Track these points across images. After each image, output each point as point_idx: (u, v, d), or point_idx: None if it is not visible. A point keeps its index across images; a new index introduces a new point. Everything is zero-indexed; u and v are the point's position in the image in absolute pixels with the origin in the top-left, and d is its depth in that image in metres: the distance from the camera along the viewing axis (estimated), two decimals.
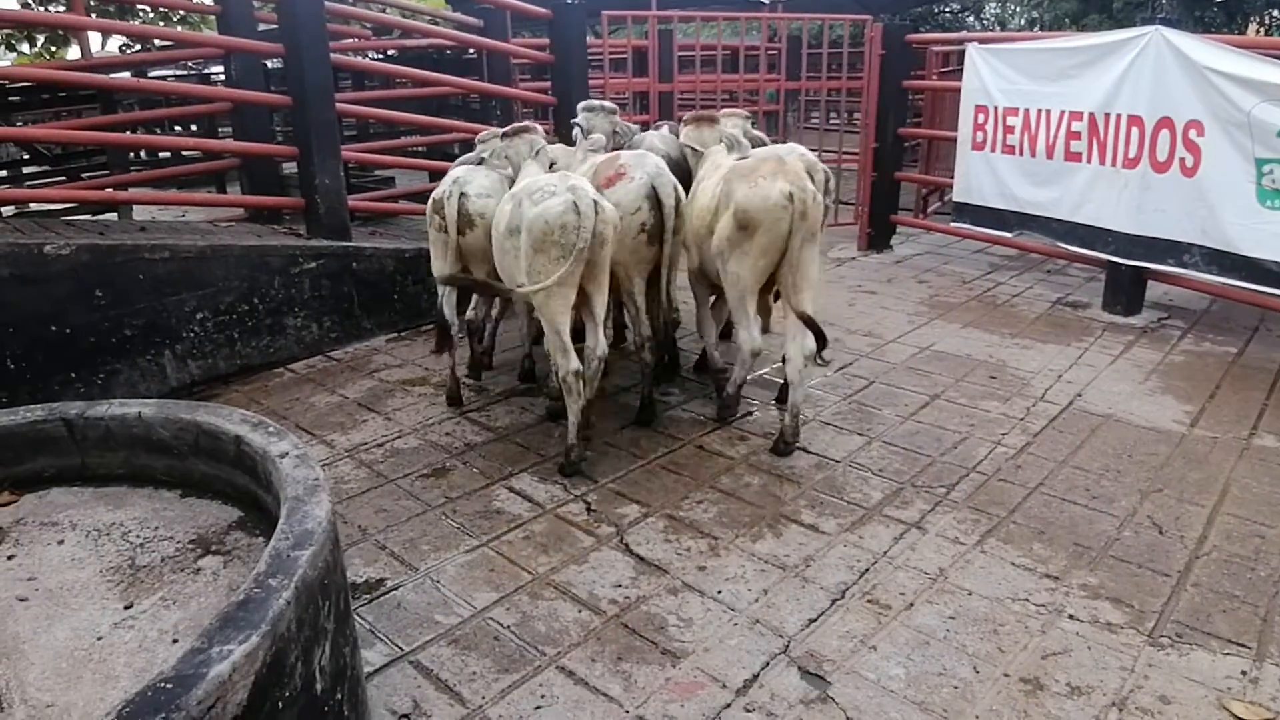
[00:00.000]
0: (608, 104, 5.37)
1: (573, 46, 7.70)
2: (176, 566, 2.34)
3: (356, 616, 2.99)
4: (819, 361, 4.60)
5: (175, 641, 2.04)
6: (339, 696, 2.07)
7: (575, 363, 3.97)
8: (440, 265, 4.63)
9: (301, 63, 5.79)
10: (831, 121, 10.61)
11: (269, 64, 8.46)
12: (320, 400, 5.03)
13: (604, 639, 2.98)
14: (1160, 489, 4.01)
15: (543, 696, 2.71)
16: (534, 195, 3.86)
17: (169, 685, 1.57)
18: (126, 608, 2.17)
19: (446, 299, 4.72)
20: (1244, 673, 2.88)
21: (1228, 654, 2.96)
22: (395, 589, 3.25)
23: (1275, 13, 16.02)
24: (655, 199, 4.30)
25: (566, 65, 7.69)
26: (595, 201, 3.86)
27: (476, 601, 3.18)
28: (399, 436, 4.56)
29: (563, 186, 3.87)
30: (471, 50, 9.04)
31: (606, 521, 3.74)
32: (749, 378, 4.82)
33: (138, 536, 2.48)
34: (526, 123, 4.75)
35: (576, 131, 5.15)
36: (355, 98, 8.49)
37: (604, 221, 3.89)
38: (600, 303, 4.11)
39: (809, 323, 4.17)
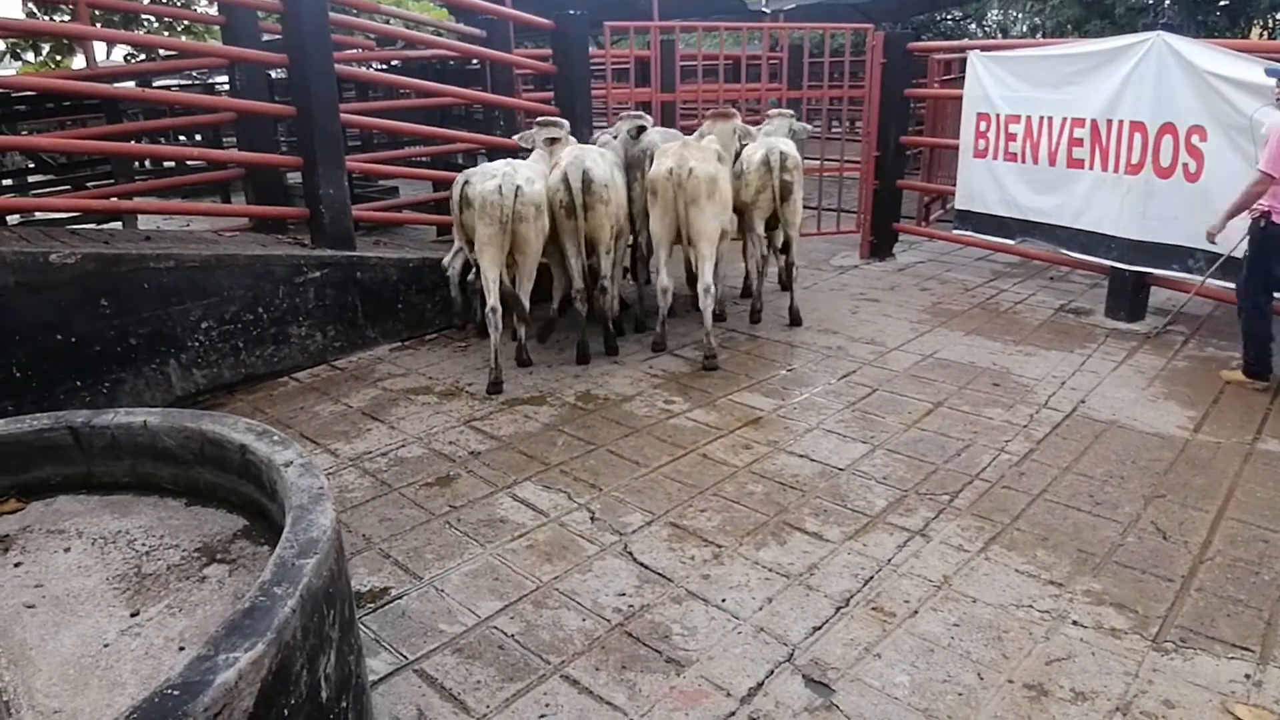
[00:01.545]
0: (562, 121, 6.32)
1: (575, 57, 7.73)
2: (182, 574, 2.34)
3: (361, 625, 2.99)
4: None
5: (181, 649, 2.04)
6: (344, 704, 2.07)
7: (493, 301, 5.25)
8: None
9: (306, 73, 5.81)
10: (833, 130, 10.64)
11: (273, 74, 8.49)
12: (324, 409, 5.05)
13: (608, 647, 2.98)
14: (1164, 495, 4.01)
15: (547, 705, 2.71)
16: (478, 177, 5.22)
17: (176, 692, 1.57)
18: (133, 615, 2.17)
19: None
20: (1248, 676, 2.88)
21: (1232, 658, 2.96)
22: (400, 598, 3.26)
23: (1279, 15, 16.02)
24: (568, 184, 5.36)
25: (569, 75, 7.72)
26: (518, 186, 5.15)
27: (480, 610, 3.18)
28: (403, 445, 4.57)
29: (500, 172, 5.20)
30: (475, 61, 9.07)
31: (610, 530, 3.75)
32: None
33: (144, 544, 2.48)
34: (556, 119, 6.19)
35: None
36: (359, 108, 8.49)
37: (522, 202, 5.16)
38: (522, 263, 5.40)
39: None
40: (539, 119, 6.20)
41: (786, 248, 6.59)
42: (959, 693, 2.78)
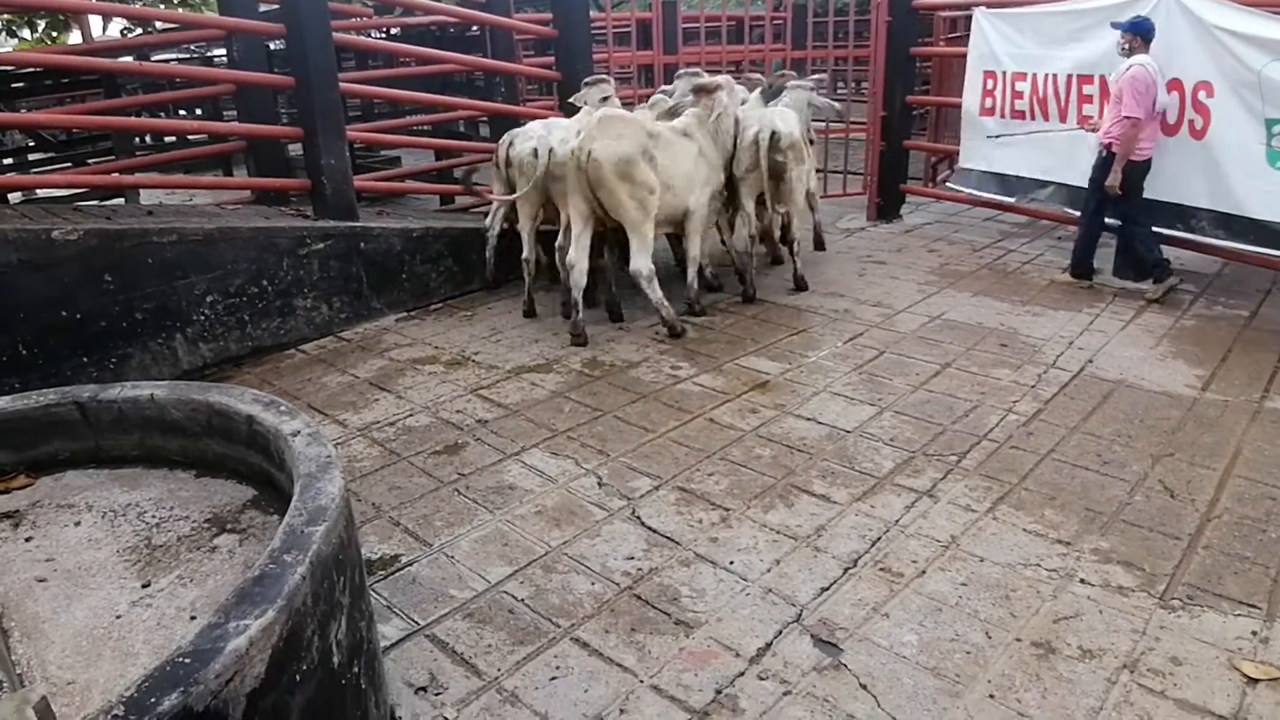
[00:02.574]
0: (608, 79, 6.59)
1: (576, 20, 7.65)
2: (192, 545, 2.36)
3: (372, 592, 3.03)
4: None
5: (193, 618, 2.06)
6: (356, 670, 2.09)
7: (527, 252, 5.92)
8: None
9: (304, 43, 5.77)
10: (839, 91, 10.53)
11: (272, 45, 8.43)
12: (332, 380, 5.06)
13: (617, 610, 3.00)
14: (1172, 453, 4.00)
15: (558, 668, 2.74)
16: (520, 139, 5.75)
17: (187, 660, 1.59)
18: (144, 586, 2.20)
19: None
20: (1254, 633, 2.89)
21: (1239, 615, 2.97)
22: (410, 565, 3.28)
23: None
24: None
25: (570, 40, 7.64)
26: (551, 149, 5.49)
27: (490, 575, 3.21)
28: (410, 415, 4.58)
29: (536, 135, 5.64)
30: (474, 26, 8.98)
31: (618, 495, 3.76)
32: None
33: (153, 516, 2.50)
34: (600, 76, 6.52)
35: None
36: (359, 77, 8.44)
37: (556, 163, 5.48)
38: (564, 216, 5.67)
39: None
40: (586, 79, 6.44)
41: (785, 228, 6.46)
42: (967, 651, 2.79)
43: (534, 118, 8.41)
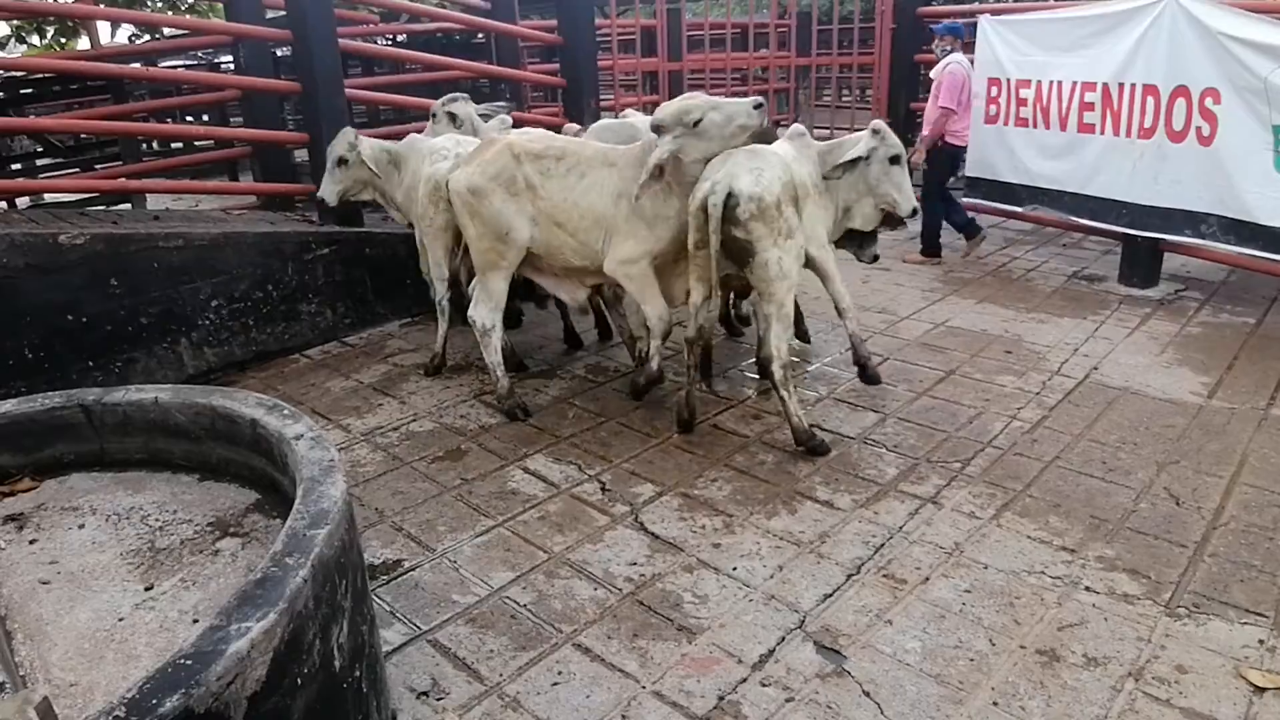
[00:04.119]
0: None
1: (581, 28, 7.68)
2: (195, 548, 2.37)
3: (375, 597, 3.02)
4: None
5: (195, 621, 2.06)
6: (358, 674, 2.09)
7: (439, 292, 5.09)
8: None
9: (310, 48, 5.79)
10: (844, 98, 10.54)
11: (279, 52, 8.47)
12: (336, 385, 5.07)
13: (620, 616, 3.00)
14: (1177, 461, 3.99)
15: (560, 673, 2.73)
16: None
17: (189, 662, 1.59)
18: (147, 589, 2.20)
19: None
20: (1261, 641, 2.87)
21: (1245, 623, 2.95)
22: (413, 570, 3.28)
23: None
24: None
25: (575, 47, 7.67)
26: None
27: (493, 581, 3.21)
28: (414, 420, 4.59)
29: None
30: (480, 33, 9.02)
31: (621, 500, 3.76)
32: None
33: (157, 520, 2.51)
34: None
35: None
36: (364, 83, 8.48)
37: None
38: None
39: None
40: (443, 98, 5.88)
41: (762, 343, 4.32)
42: (971, 659, 2.78)
43: (539, 125, 8.48)
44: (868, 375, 4.72)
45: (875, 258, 4.94)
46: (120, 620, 2.08)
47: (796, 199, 4.05)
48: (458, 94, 5.88)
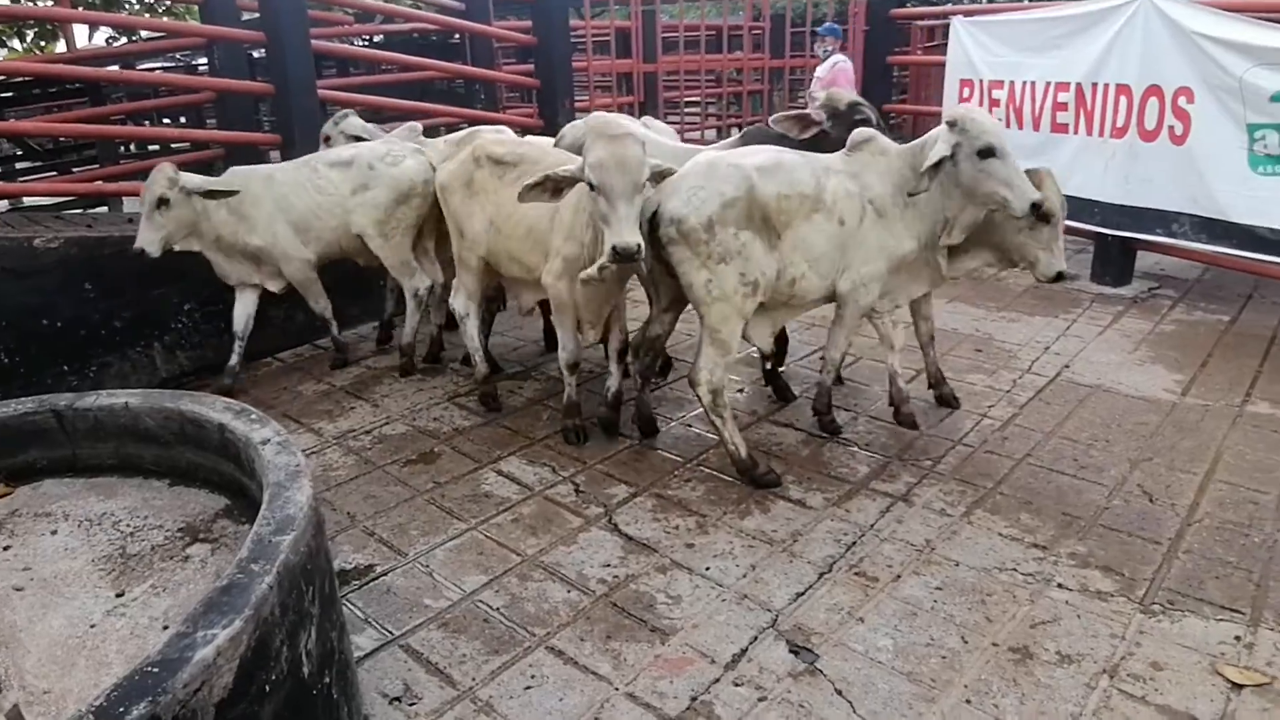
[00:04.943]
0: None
1: (556, 29, 7.69)
2: (166, 554, 2.36)
3: (346, 603, 3.01)
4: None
5: (166, 628, 2.05)
6: (327, 680, 2.08)
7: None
8: None
9: (283, 50, 5.77)
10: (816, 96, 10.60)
11: (255, 53, 8.42)
12: (308, 388, 5.04)
13: (593, 618, 2.99)
14: (1150, 458, 4.02)
15: (533, 676, 2.73)
16: None
17: (155, 670, 1.59)
18: (118, 595, 2.19)
19: None
20: (1238, 638, 2.89)
21: (1221, 620, 2.98)
22: (385, 574, 3.26)
23: None
24: None
25: (550, 48, 7.67)
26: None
27: (466, 585, 3.19)
28: (386, 423, 4.56)
29: None
30: (455, 34, 9.00)
31: (595, 502, 3.76)
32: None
33: (128, 525, 2.50)
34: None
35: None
36: (338, 84, 8.45)
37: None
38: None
39: None
40: (335, 115, 5.70)
41: (692, 364, 3.88)
42: (943, 656, 2.80)
43: (514, 125, 8.48)
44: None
45: (1060, 276, 3.94)
46: (92, 627, 2.08)
47: (765, 217, 3.68)
48: (347, 110, 5.69)
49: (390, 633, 2.93)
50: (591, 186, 3.41)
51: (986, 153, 3.62)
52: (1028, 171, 3.70)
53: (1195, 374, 4.95)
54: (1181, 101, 5.81)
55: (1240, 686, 2.67)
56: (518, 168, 4.14)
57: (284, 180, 4.92)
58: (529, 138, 4.98)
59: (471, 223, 4.36)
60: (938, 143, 3.70)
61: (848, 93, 4.73)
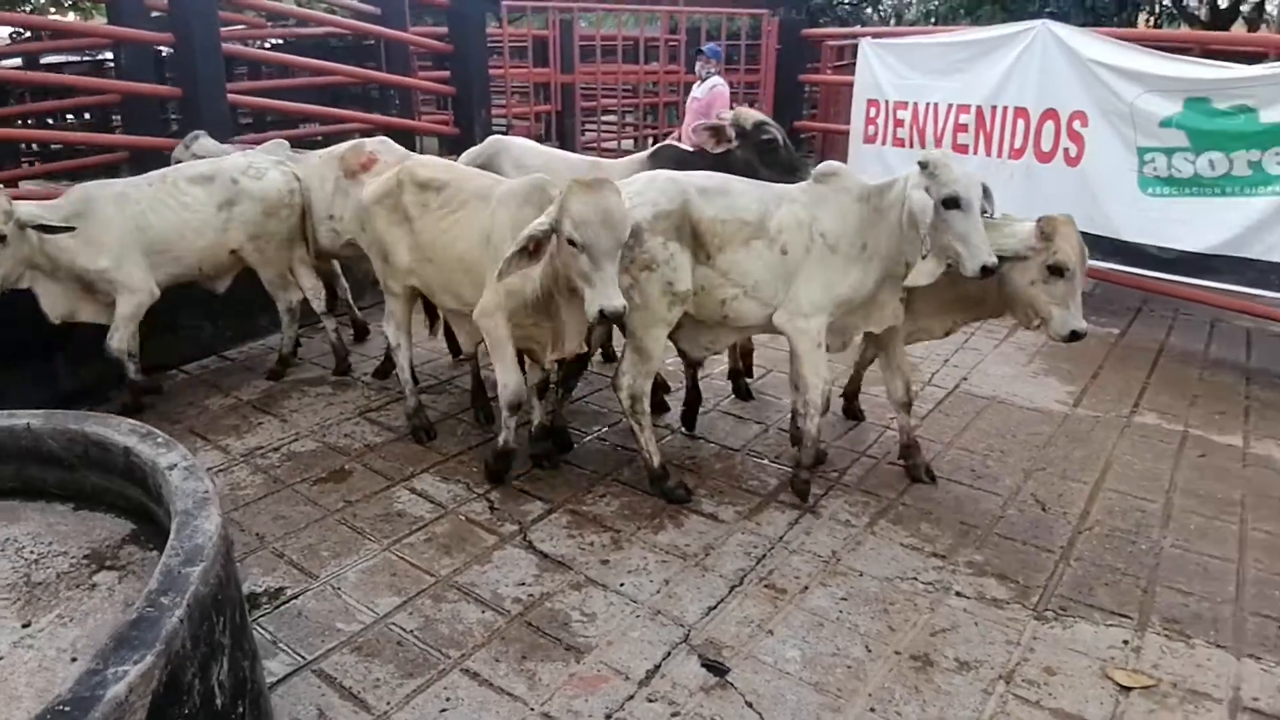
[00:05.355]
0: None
1: (472, 35, 7.67)
2: (72, 583, 2.29)
3: (257, 627, 2.96)
4: None
5: (74, 660, 2.00)
6: (241, 710, 2.06)
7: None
8: None
9: (192, 52, 5.65)
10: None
11: (163, 51, 8.18)
12: (214, 403, 4.90)
13: (508, 638, 3.00)
14: (1044, 467, 4.22)
15: (448, 700, 2.73)
16: None
17: (67, 709, 1.56)
18: (24, 626, 2.12)
19: None
20: (1126, 642, 3.06)
21: (1110, 625, 3.15)
22: (295, 597, 3.20)
23: (1165, 1, 16.69)
24: None
25: (466, 55, 7.64)
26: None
27: (379, 607, 3.16)
28: (296, 439, 4.47)
29: None
30: (370, 38, 8.89)
31: (510, 519, 3.75)
32: None
33: (32, 552, 2.42)
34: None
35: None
36: (249, 88, 8.26)
37: None
38: None
39: None
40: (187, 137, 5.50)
41: (615, 371, 3.97)
42: (848, 665, 2.90)
43: (429, 133, 8.42)
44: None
45: (1074, 335, 3.64)
46: (0, 659, 2.01)
47: (696, 235, 3.70)
48: (198, 133, 5.45)
49: (303, 657, 2.89)
50: (573, 244, 3.23)
51: (950, 203, 3.44)
52: (1045, 217, 3.57)
53: (1086, 385, 5.20)
54: (1076, 125, 6.11)
55: (1128, 689, 2.83)
56: (443, 192, 4.01)
57: (140, 198, 4.61)
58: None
59: (397, 249, 4.19)
60: (910, 189, 3.50)
61: (754, 112, 4.84)
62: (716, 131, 4.70)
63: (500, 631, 3.04)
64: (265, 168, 4.91)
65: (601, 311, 3.21)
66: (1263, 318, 6.05)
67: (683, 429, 4.58)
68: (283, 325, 5.21)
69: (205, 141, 5.32)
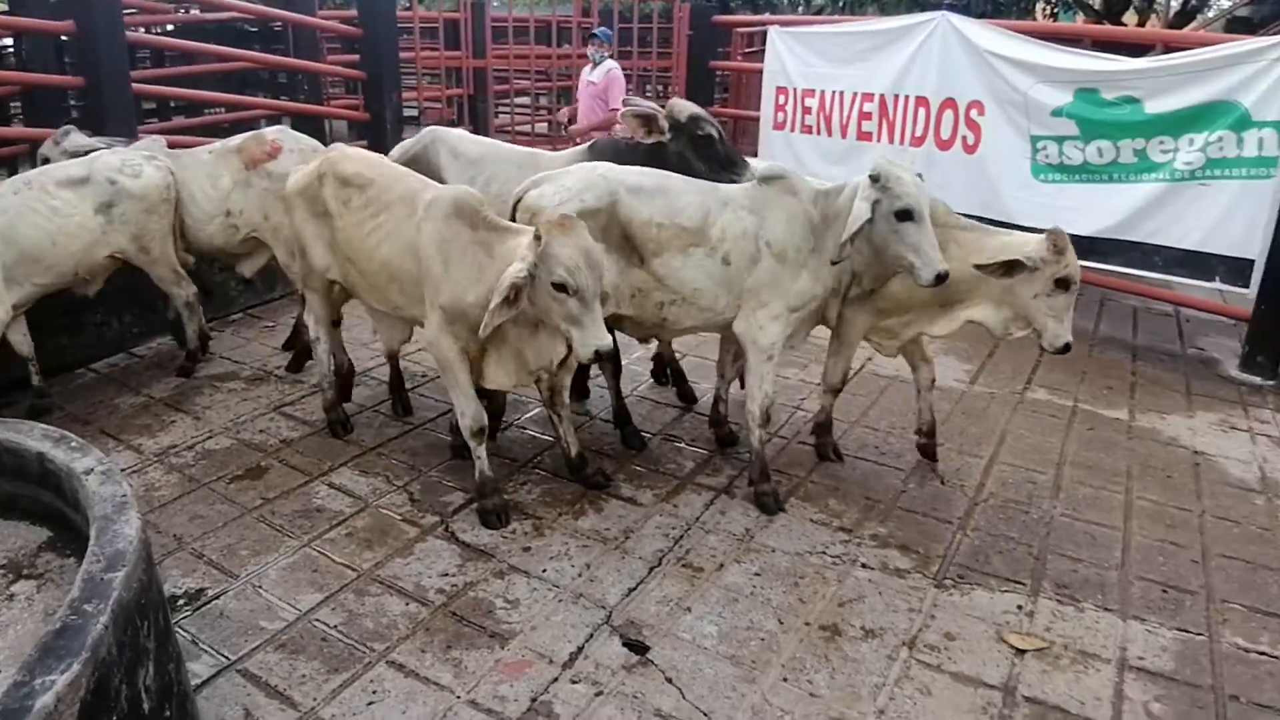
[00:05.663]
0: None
1: (381, 19, 7.55)
2: None
3: (179, 629, 2.94)
4: None
5: None
6: (168, 713, 2.09)
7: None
8: None
9: (94, 40, 5.47)
10: (645, 96, 10.84)
11: (65, 36, 7.87)
12: (125, 401, 4.79)
13: (432, 629, 3.05)
14: (942, 443, 4.42)
15: (374, 692, 2.76)
16: None
17: None
18: None
19: None
20: (1020, 607, 3.28)
21: (1005, 591, 3.36)
22: (217, 598, 3.18)
23: None
24: None
25: (375, 38, 7.53)
26: None
27: (301, 604, 3.16)
28: (210, 437, 4.39)
29: None
30: (277, 22, 8.69)
31: (431, 511, 3.78)
32: None
33: None
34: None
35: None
36: (153, 75, 8.02)
37: None
38: None
39: None
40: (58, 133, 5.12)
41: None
42: (761, 638, 3.04)
43: (338, 118, 8.29)
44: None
45: (1067, 347, 3.67)
46: None
47: (626, 236, 3.70)
48: (69, 127, 5.16)
49: (227, 658, 2.88)
50: (563, 289, 3.15)
51: (904, 215, 3.45)
52: (1054, 231, 3.58)
53: (983, 364, 5.46)
54: (974, 114, 6.35)
55: (1023, 651, 3.04)
56: (366, 191, 3.80)
57: (6, 208, 4.32)
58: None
59: (315, 246, 4.05)
60: (857, 200, 3.50)
61: (689, 104, 4.66)
62: (648, 121, 4.47)
63: (424, 622, 3.08)
64: (139, 164, 4.72)
65: (598, 352, 3.22)
66: (1147, 297, 6.42)
67: (601, 416, 4.66)
68: (184, 321, 5.07)
69: (77, 137, 5.02)
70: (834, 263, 3.63)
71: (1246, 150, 5.43)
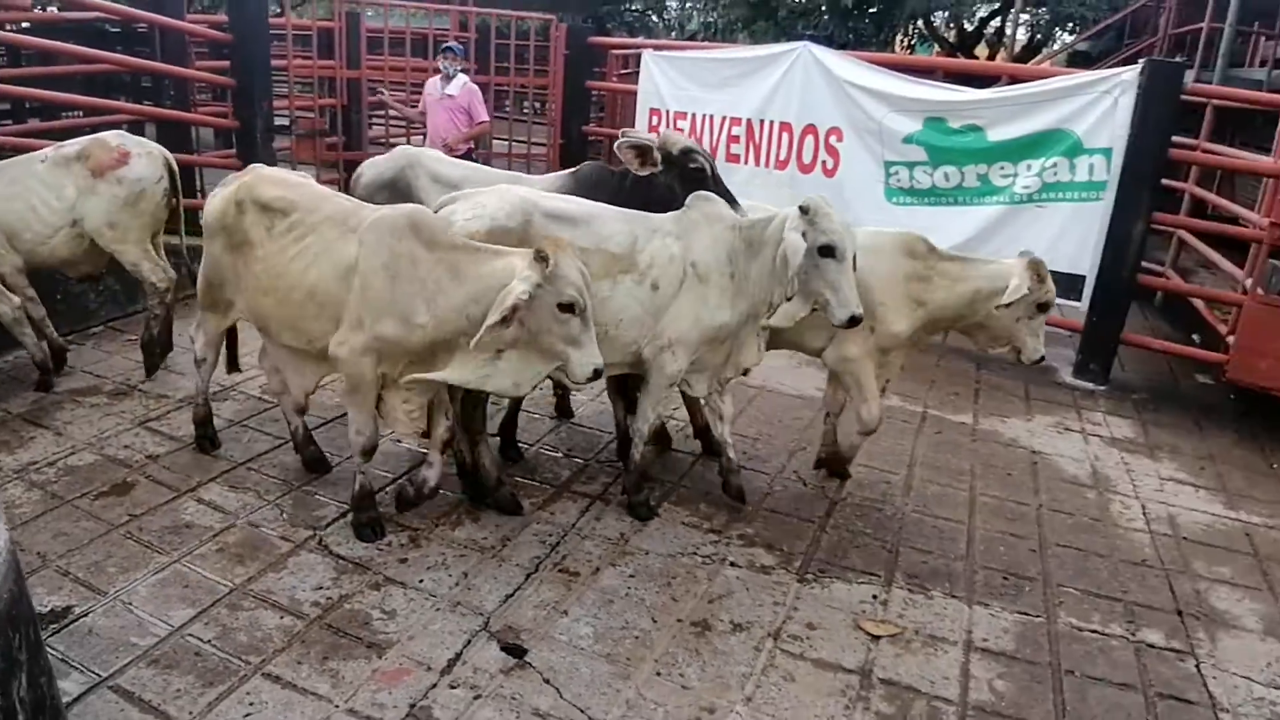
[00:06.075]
0: None
1: (253, 24, 7.39)
2: None
3: (47, 647, 2.86)
4: None
5: None
6: None
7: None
8: None
9: None
10: (523, 112, 10.91)
11: None
12: None
13: (309, 641, 3.05)
14: (805, 448, 4.70)
15: (251, 704, 2.75)
16: None
17: None
18: None
19: None
20: (875, 596, 3.55)
21: (861, 583, 3.63)
22: (85, 615, 3.10)
23: (919, 24, 18.21)
24: None
25: (246, 45, 7.36)
26: None
27: (173, 619, 3.10)
28: (72, 453, 4.24)
29: None
30: (143, 25, 8.37)
31: (303, 525, 3.75)
32: None
33: None
34: None
35: None
36: (9, 74, 7.64)
37: None
38: None
39: None
40: None
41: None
42: (636, 636, 3.18)
43: (206, 125, 8.07)
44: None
45: (1042, 359, 4.02)
46: None
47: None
48: None
49: (98, 675, 2.82)
50: (570, 309, 3.14)
51: (826, 251, 3.49)
52: (1035, 260, 3.83)
53: None
54: (833, 140, 6.71)
55: (878, 637, 3.30)
56: (289, 216, 3.60)
57: None
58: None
59: (228, 275, 3.84)
60: (788, 230, 3.51)
61: (681, 137, 4.57)
62: (643, 152, 4.30)
63: (300, 635, 3.08)
64: None
65: (596, 371, 3.23)
66: None
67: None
68: (22, 337, 4.83)
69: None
70: (788, 299, 3.65)
71: (1078, 175, 5.94)
